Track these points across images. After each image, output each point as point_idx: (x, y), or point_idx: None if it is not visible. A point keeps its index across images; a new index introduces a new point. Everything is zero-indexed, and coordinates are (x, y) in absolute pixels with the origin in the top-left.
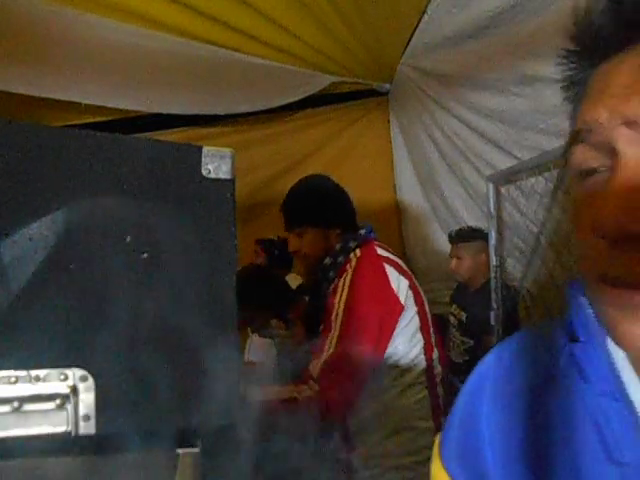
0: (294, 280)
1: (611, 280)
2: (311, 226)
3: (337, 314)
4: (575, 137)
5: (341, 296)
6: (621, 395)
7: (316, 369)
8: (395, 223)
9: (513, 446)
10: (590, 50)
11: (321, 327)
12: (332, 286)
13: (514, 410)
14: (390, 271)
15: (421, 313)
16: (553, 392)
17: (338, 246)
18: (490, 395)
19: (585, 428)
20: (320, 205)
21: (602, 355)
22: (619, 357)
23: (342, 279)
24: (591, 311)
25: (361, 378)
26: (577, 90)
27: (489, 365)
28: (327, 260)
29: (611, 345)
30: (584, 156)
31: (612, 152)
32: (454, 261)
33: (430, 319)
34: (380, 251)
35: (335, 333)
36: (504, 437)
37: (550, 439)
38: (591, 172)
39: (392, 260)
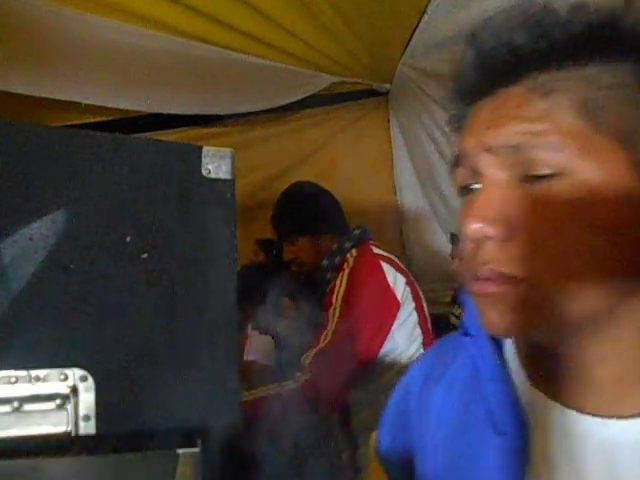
0: None
1: (474, 275)
2: (300, 235)
3: (334, 309)
4: (454, 161)
5: (338, 293)
6: (503, 379)
7: (308, 358)
8: (395, 223)
9: (431, 430)
10: (465, 94)
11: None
12: (330, 286)
13: (433, 402)
14: (387, 268)
15: (419, 309)
16: (461, 379)
17: (334, 247)
18: (418, 392)
19: (480, 405)
20: (305, 214)
21: (488, 346)
22: (507, 345)
23: (339, 277)
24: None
25: (354, 371)
26: (459, 124)
27: (417, 368)
28: (324, 262)
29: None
30: (462, 176)
31: (479, 173)
32: (456, 261)
33: (428, 315)
34: (376, 250)
35: (331, 327)
36: (425, 424)
37: (455, 418)
38: (468, 188)
39: (388, 258)
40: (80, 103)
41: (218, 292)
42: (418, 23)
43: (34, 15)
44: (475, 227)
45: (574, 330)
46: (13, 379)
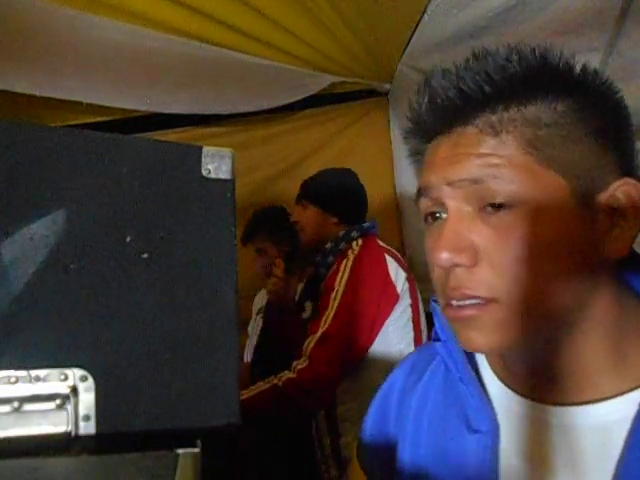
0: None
1: (447, 300)
2: (312, 203)
3: (336, 294)
4: (419, 193)
5: (342, 278)
6: (473, 380)
7: (310, 345)
8: (395, 223)
9: (409, 431)
10: (423, 133)
11: (319, 304)
12: (332, 269)
13: (411, 405)
14: (390, 261)
15: (414, 306)
16: (436, 383)
17: (341, 233)
18: (397, 399)
19: (453, 407)
20: (327, 189)
21: (458, 350)
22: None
23: (344, 262)
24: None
25: (351, 358)
26: (418, 157)
27: (396, 375)
28: (328, 245)
29: None
30: (426, 205)
31: (442, 204)
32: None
33: (423, 314)
34: (381, 243)
35: (332, 312)
36: (402, 426)
37: (432, 419)
38: (433, 216)
39: (392, 252)
40: (80, 103)
41: (218, 292)
42: (418, 23)
43: (34, 15)
44: (445, 257)
45: (539, 337)
46: (13, 379)
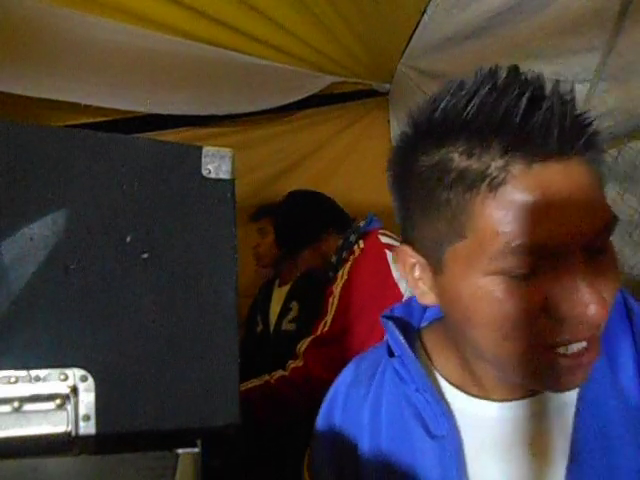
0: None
1: (557, 347)
2: (301, 250)
3: (334, 299)
4: (521, 249)
5: (339, 283)
6: (430, 388)
7: (304, 345)
8: (395, 223)
9: (365, 444)
10: (534, 148)
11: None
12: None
13: (362, 419)
14: (393, 259)
15: None
16: (385, 395)
17: (340, 242)
18: (341, 407)
19: (410, 416)
20: (302, 228)
21: (413, 363)
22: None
23: (342, 268)
24: (399, 334)
25: (348, 360)
26: (498, 180)
27: (339, 385)
28: (333, 258)
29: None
30: (524, 263)
31: (558, 260)
32: None
33: None
34: (384, 239)
35: (329, 317)
36: (354, 439)
37: (390, 431)
38: (517, 274)
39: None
40: (80, 103)
41: (218, 292)
42: (418, 23)
43: (34, 15)
44: (601, 314)
45: None
46: (13, 379)
